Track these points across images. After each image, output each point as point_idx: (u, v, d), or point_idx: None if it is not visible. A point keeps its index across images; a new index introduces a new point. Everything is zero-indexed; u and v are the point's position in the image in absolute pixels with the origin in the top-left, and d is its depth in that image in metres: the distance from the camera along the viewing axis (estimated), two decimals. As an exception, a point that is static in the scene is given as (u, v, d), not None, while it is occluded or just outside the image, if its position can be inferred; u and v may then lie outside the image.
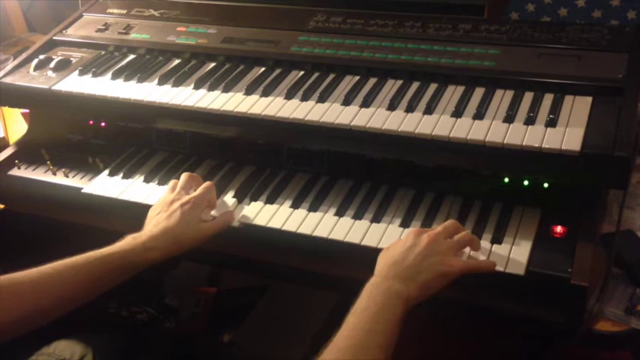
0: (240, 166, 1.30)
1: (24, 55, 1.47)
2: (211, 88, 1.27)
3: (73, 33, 1.52)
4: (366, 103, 1.17)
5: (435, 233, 0.98)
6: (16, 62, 1.45)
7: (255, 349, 1.60)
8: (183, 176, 1.20)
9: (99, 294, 1.03)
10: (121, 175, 1.31)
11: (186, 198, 1.13)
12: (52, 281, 0.98)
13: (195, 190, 1.18)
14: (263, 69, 1.32)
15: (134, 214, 1.18)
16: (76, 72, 1.38)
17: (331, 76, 1.27)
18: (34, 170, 1.37)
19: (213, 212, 1.17)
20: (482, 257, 1.02)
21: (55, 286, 0.98)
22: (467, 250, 1.02)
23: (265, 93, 1.23)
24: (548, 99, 1.11)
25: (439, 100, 1.16)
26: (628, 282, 1.05)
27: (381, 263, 0.97)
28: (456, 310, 1.08)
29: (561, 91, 1.12)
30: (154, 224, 1.10)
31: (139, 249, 1.05)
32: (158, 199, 1.18)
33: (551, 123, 1.05)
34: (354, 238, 1.08)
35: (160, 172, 1.30)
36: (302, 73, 1.29)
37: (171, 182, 1.21)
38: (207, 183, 1.18)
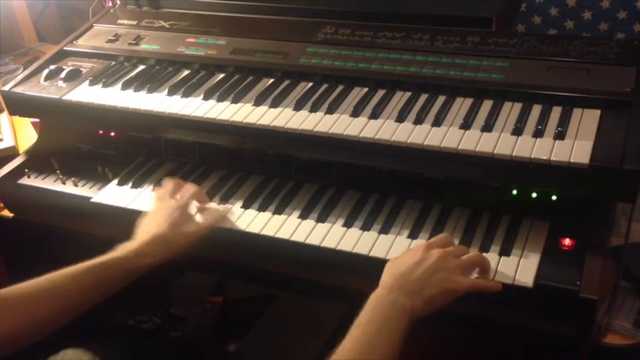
0: (248, 176, 1.31)
1: (35, 65, 1.48)
2: (220, 99, 1.27)
3: (84, 43, 1.53)
4: (374, 115, 1.17)
5: (445, 250, 0.98)
6: (26, 72, 1.46)
7: (261, 358, 1.60)
8: (166, 182, 1.22)
9: (96, 303, 1.03)
10: (130, 184, 1.31)
11: (173, 204, 1.14)
12: (48, 292, 0.98)
13: (180, 194, 1.19)
14: (272, 80, 1.32)
15: (143, 223, 1.18)
16: (87, 82, 1.39)
17: (340, 88, 1.27)
18: (43, 179, 1.37)
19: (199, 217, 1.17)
20: (490, 272, 1.01)
21: (50, 296, 0.98)
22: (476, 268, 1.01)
23: (274, 104, 1.24)
24: (556, 112, 1.11)
25: (447, 112, 1.16)
26: (636, 295, 1.04)
27: (387, 275, 0.97)
28: (463, 322, 1.07)
29: (570, 104, 1.12)
30: (145, 232, 1.11)
31: (131, 256, 1.06)
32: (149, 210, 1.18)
33: (560, 136, 1.05)
34: (362, 249, 1.08)
35: (169, 182, 1.31)
36: (311, 84, 1.30)
37: (158, 191, 1.21)
38: (189, 185, 1.19)
